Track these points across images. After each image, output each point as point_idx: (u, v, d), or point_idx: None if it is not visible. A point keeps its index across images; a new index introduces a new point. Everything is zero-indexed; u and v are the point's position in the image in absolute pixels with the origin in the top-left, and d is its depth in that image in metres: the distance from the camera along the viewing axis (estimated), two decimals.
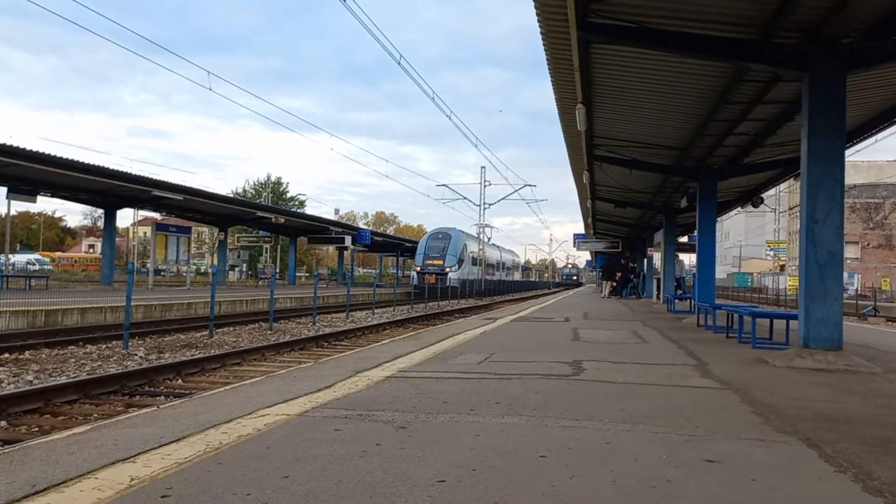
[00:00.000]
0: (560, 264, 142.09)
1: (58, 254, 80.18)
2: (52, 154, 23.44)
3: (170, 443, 3.97)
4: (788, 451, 4.04)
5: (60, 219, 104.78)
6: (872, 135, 13.20)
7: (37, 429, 7.07)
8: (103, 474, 3.33)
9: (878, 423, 4.89)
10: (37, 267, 55.25)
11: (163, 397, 8.76)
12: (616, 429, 4.50)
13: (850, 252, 62.79)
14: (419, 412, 4.93)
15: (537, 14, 8.67)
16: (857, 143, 13.68)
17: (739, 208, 26.43)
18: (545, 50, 10.04)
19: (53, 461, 3.57)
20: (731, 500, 3.09)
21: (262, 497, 3.01)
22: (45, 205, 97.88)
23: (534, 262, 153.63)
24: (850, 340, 9.38)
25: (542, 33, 9.36)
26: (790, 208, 78.93)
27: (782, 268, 78.16)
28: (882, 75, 10.17)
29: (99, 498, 2.98)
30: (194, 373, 10.73)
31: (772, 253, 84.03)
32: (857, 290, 50.84)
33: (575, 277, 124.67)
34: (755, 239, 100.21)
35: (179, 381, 10.19)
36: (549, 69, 10.92)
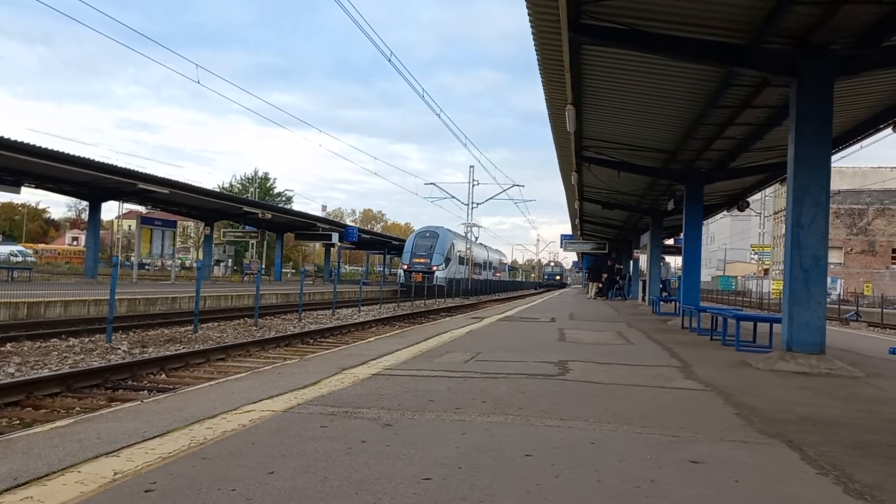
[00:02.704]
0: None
1: (41, 246, 79.47)
2: (38, 144, 23.26)
3: (154, 437, 3.95)
4: (771, 453, 4.07)
5: (44, 210, 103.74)
6: (858, 141, 13.31)
7: (18, 422, 7.01)
8: (86, 468, 3.30)
9: (860, 427, 4.93)
10: (19, 258, 54.69)
11: (146, 392, 8.71)
12: (601, 429, 4.51)
13: (834, 257, 63.31)
14: (405, 410, 4.93)
15: (529, 15, 8.68)
16: (843, 149, 13.79)
17: (725, 212, 26.56)
18: (536, 51, 10.05)
19: (35, 454, 3.54)
20: (715, 501, 3.11)
21: (247, 493, 3.00)
22: (29, 196, 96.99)
23: (521, 262, 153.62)
24: (833, 345, 9.47)
25: (533, 34, 9.37)
26: (775, 213, 79.57)
27: (766, 272, 78.72)
28: (868, 82, 10.26)
29: (82, 492, 2.96)
30: (178, 368, 10.67)
31: (756, 257, 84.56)
32: (839, 295, 51.23)
33: (558, 277, 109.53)
34: (740, 243, 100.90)
35: (163, 375, 10.13)
36: (539, 70, 10.94)
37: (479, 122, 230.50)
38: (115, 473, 3.22)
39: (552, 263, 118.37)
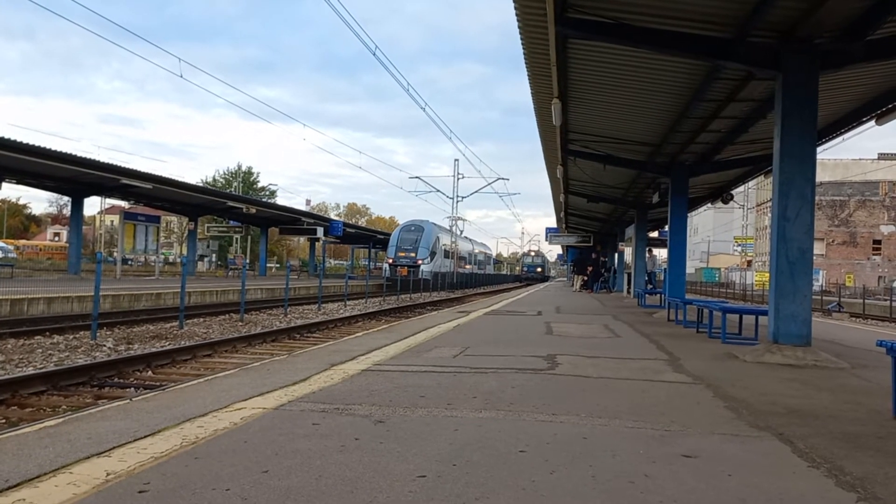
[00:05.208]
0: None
1: (22, 242, 78.58)
2: (19, 140, 23.02)
3: (145, 437, 3.91)
4: (762, 446, 4.10)
5: (25, 206, 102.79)
6: (842, 134, 13.41)
7: (4, 421, 6.94)
8: (78, 469, 3.27)
9: (847, 419, 4.98)
10: (1, 255, 54.10)
11: (133, 389, 8.65)
12: (593, 423, 4.53)
13: (816, 248, 63.74)
14: (396, 406, 4.92)
15: (515, 8, 8.67)
16: (826, 142, 13.89)
17: (709, 204, 26.73)
18: (522, 44, 10.04)
19: (26, 455, 3.50)
20: (709, 496, 3.12)
21: (242, 492, 2.98)
22: (10, 192, 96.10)
23: (506, 255, 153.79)
24: (817, 336, 9.55)
25: (519, 28, 9.36)
26: (758, 205, 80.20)
27: (749, 263, 79.37)
28: (851, 76, 10.34)
29: (75, 493, 2.93)
30: (165, 364, 10.59)
31: (739, 249, 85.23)
32: (821, 286, 51.77)
33: (539, 269, 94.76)
34: (723, 235, 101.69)
35: (150, 372, 10.06)
36: (526, 63, 10.93)
37: (465, 115, 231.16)
38: (108, 474, 3.19)
39: (532, 253, 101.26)
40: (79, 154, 26.78)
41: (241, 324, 17.56)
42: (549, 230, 46.75)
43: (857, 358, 8.87)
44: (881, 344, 5.27)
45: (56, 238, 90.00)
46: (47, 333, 13.31)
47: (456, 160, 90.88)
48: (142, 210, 42.12)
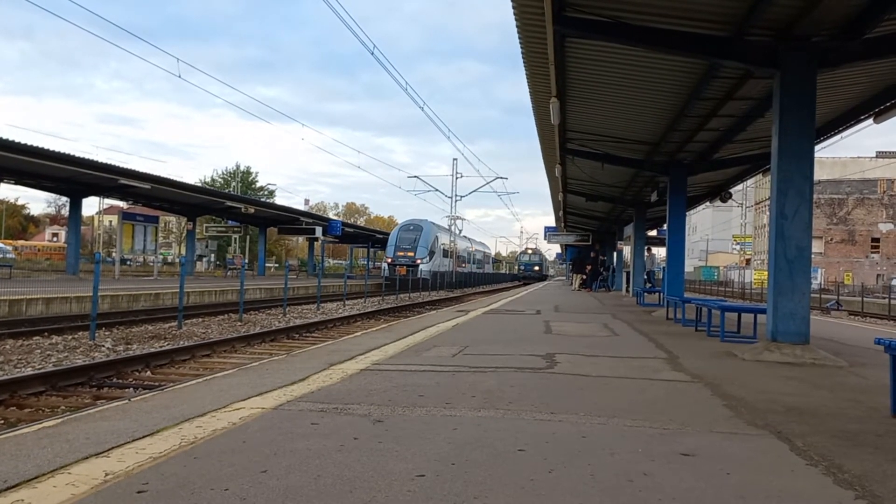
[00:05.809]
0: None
1: (20, 242, 78.50)
2: (17, 140, 22.98)
3: (143, 437, 3.91)
4: (760, 444, 4.10)
5: (23, 206, 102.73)
6: (839, 132, 13.41)
7: (2, 421, 6.94)
8: (77, 469, 3.27)
9: (846, 417, 4.99)
10: None
11: (132, 389, 8.65)
12: (591, 422, 4.53)
13: (814, 247, 63.97)
14: (395, 405, 4.92)
15: (514, 8, 8.67)
16: (825, 140, 13.89)
17: (708, 203, 26.73)
18: (521, 44, 10.04)
19: (24, 455, 3.50)
20: (708, 494, 3.13)
21: (241, 492, 2.98)
22: (8, 192, 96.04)
23: (504, 254, 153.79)
24: (816, 334, 9.55)
25: (517, 27, 9.36)
26: (756, 203, 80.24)
27: (748, 262, 79.39)
28: (849, 74, 10.34)
29: (73, 493, 2.93)
30: (163, 364, 10.60)
31: (738, 247, 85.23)
32: (820, 284, 51.81)
33: (537, 268, 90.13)
34: (722, 233, 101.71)
35: (148, 372, 10.06)
36: (524, 63, 10.94)
37: (464, 113, 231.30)
38: (107, 474, 3.19)
39: (529, 251, 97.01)
40: (77, 154, 26.85)
41: (239, 324, 17.56)
42: (547, 229, 46.81)
43: (855, 356, 8.89)
44: (879, 342, 5.27)
45: (54, 238, 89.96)
46: (46, 334, 13.31)
47: (454, 159, 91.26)
48: (140, 210, 42.08)
